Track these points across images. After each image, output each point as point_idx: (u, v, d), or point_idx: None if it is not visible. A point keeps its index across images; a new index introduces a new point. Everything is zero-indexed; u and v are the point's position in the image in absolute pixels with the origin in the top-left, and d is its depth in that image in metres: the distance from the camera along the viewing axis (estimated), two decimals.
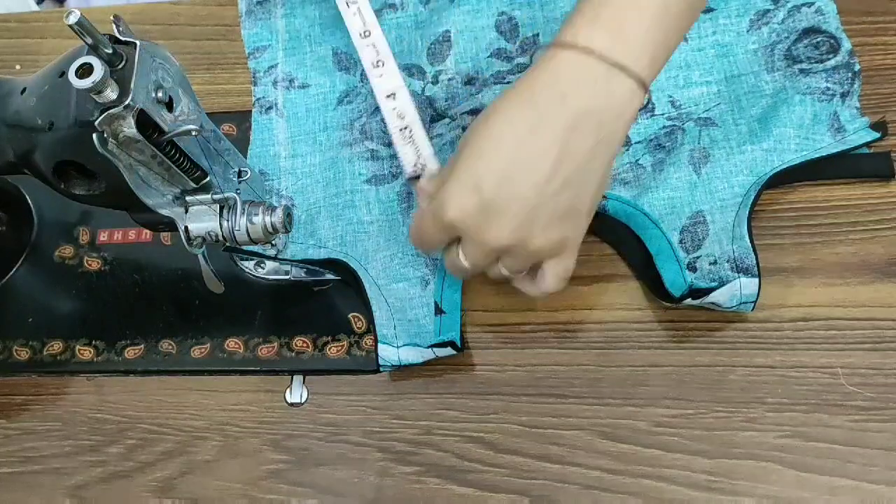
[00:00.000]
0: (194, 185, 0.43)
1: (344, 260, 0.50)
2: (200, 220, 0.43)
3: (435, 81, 0.55)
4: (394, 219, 0.51)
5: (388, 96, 0.49)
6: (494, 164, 0.37)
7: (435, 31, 0.56)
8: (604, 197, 0.49)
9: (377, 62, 0.49)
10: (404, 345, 0.47)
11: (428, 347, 0.46)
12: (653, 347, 0.47)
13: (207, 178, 0.43)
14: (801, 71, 0.50)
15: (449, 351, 0.46)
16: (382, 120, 0.53)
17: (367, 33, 0.51)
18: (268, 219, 0.43)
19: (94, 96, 0.34)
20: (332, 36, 0.58)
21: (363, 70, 0.56)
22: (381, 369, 0.48)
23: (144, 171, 0.39)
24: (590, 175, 0.38)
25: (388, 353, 0.47)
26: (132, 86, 0.35)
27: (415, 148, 0.47)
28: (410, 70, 0.55)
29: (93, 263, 0.54)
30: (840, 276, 0.47)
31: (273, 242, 0.50)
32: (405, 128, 0.48)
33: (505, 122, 0.38)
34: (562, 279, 0.41)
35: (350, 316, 0.50)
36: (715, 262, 0.46)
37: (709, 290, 0.44)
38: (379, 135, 0.54)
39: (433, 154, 0.47)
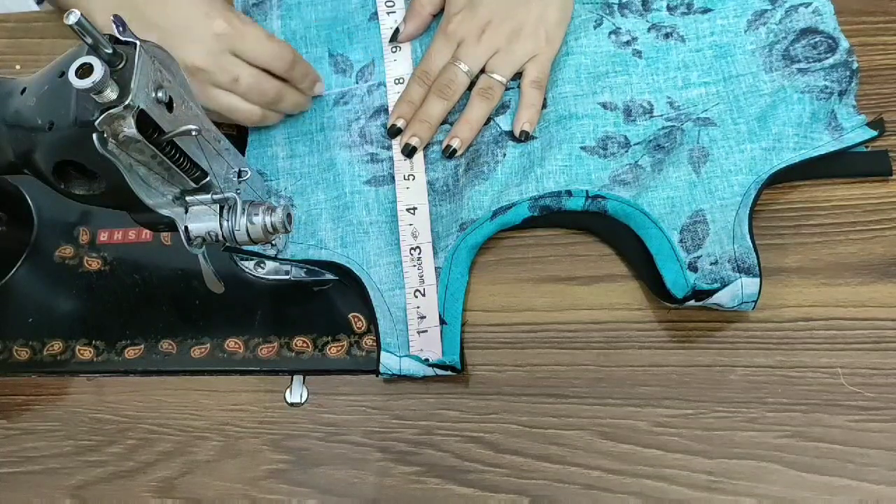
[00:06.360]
0: (194, 185, 0.43)
1: (347, 265, 0.50)
2: (200, 220, 0.43)
3: None
4: (393, 220, 0.51)
5: (409, 209, 0.50)
6: None
7: None
8: (603, 197, 0.49)
9: (408, 175, 0.51)
10: (406, 356, 0.47)
11: (429, 366, 0.47)
12: (653, 347, 0.47)
13: (207, 178, 0.43)
14: (800, 70, 0.50)
15: (449, 371, 0.47)
16: (383, 124, 0.54)
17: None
18: (268, 219, 0.43)
19: (94, 96, 0.34)
20: (327, 38, 0.58)
21: (359, 71, 0.56)
22: (382, 376, 0.48)
23: (144, 171, 0.39)
24: None
25: (391, 362, 0.47)
26: (132, 86, 0.35)
27: (419, 273, 0.49)
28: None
29: (93, 263, 0.54)
30: (840, 276, 0.47)
31: (273, 242, 0.50)
32: (415, 248, 0.49)
33: None
34: (540, 74, 0.52)
35: (350, 316, 0.50)
36: (716, 262, 0.46)
37: (712, 292, 0.44)
38: (378, 138, 0.54)
39: (435, 282, 0.48)
